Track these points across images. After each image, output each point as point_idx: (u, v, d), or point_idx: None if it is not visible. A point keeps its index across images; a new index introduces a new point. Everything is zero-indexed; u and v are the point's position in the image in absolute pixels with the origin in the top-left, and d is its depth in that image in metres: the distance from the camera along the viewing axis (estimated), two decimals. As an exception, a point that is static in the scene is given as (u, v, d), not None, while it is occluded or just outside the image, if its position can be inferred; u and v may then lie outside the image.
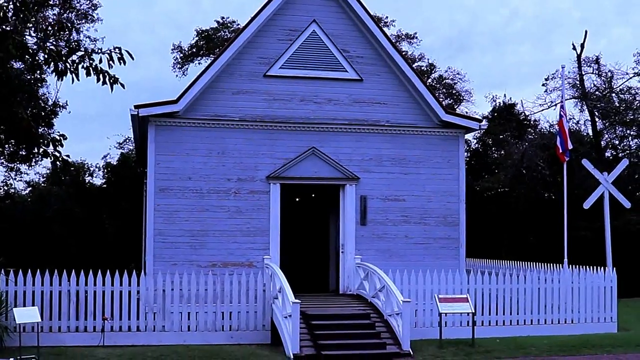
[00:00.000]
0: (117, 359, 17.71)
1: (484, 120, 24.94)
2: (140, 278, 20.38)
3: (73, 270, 20.06)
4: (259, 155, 23.36)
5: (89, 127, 67.87)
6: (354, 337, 18.81)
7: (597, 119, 42.52)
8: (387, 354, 18.34)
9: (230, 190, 23.13)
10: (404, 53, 23.75)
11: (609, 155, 42.70)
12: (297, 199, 26.81)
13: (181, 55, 48.46)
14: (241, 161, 23.27)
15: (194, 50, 47.38)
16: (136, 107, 22.31)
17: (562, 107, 25.65)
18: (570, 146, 25.07)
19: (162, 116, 22.72)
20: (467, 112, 41.02)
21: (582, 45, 41.40)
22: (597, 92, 42.23)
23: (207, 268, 21.95)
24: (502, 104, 44.50)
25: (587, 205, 25.99)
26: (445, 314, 20.23)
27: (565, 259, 24.80)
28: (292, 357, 17.96)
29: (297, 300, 18.24)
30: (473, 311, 20.15)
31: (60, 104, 39.61)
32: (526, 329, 21.92)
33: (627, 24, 68.52)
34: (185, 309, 20.42)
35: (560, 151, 25.11)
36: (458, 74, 44.23)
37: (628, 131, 43.24)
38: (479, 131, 27.57)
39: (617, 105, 41.94)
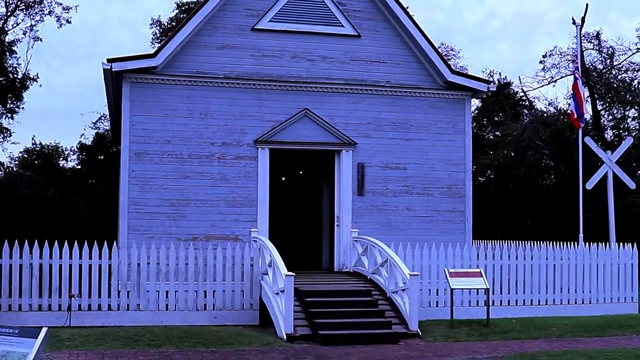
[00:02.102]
0: (84, 340, 15.39)
1: (491, 84, 22.53)
2: (113, 250, 18.10)
3: (36, 242, 17.75)
4: (246, 117, 21.19)
5: (63, 105, 65.46)
6: (354, 316, 16.69)
7: (596, 98, 40.61)
8: (392, 333, 16.17)
9: (213, 156, 20.92)
10: (405, 7, 21.43)
11: (610, 135, 40.79)
12: (288, 166, 24.70)
13: (160, 30, 45.97)
14: (226, 123, 21.08)
15: (174, 23, 44.88)
16: (109, 60, 20.05)
17: (576, 69, 23.63)
18: (585, 111, 23.00)
19: (138, 72, 20.48)
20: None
21: (583, 20, 39.37)
22: (597, 69, 40.28)
23: (188, 242, 19.63)
24: (497, 83, 42.48)
25: (590, 185, 24.13)
26: (458, 289, 18.05)
27: (581, 235, 22.74)
28: (285, 337, 15.81)
29: (290, 273, 16.08)
30: (488, 286, 17.99)
31: (31, 76, 37.69)
32: (542, 310, 19.87)
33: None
34: (163, 286, 18.24)
35: (575, 117, 23.09)
36: (452, 49, 42.12)
37: (627, 112, 41.46)
38: (487, 94, 25.31)
39: (616, 86, 40.04)
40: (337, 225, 21.70)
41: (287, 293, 16.02)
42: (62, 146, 44.78)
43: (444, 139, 22.33)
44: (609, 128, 42.05)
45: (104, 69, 20.24)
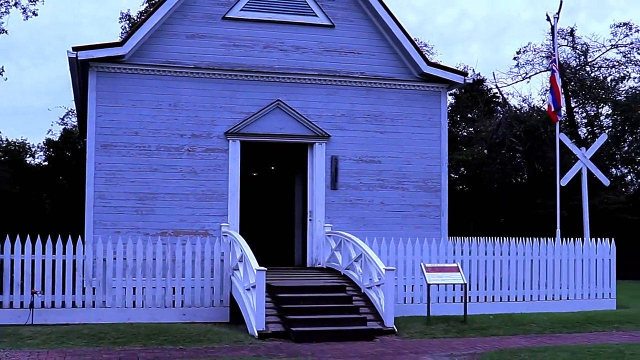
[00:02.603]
0: (46, 338, 14.73)
1: (469, 75, 22.07)
2: (77, 245, 17.41)
3: (-4, 235, 17.10)
4: (217, 108, 20.56)
5: (32, 103, 64.43)
6: (328, 312, 16.14)
7: (570, 95, 40.35)
8: (367, 330, 15.64)
9: (183, 148, 20.28)
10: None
11: (584, 133, 40.56)
12: (260, 159, 24.13)
13: (130, 24, 45.09)
14: (196, 114, 20.44)
15: (144, 17, 44.06)
16: (75, 49, 19.35)
17: (554, 61, 23.21)
18: (563, 105, 22.59)
19: (105, 61, 19.80)
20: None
21: (558, 14, 39.08)
22: (570, 66, 40.03)
23: (156, 237, 18.86)
24: (471, 79, 42.09)
25: (564, 182, 23.74)
26: (435, 285, 17.57)
27: (558, 230, 22.33)
28: (256, 334, 15.23)
29: (262, 268, 15.50)
30: (465, 282, 17.51)
31: (-6, 68, 36.70)
32: (519, 306, 19.44)
33: None
34: (129, 283, 17.58)
35: (553, 110, 22.64)
36: (425, 45, 41.62)
37: (600, 110, 41.26)
38: (461, 86, 24.88)
39: (589, 83, 39.82)
40: (310, 220, 21.14)
41: (258, 288, 15.44)
42: (28, 143, 44.05)
43: (420, 132, 21.85)
44: (582, 125, 41.83)
45: (69, 58, 19.54)
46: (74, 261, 17.43)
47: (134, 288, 17.58)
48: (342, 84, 21.37)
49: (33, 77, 65.10)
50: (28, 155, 44.23)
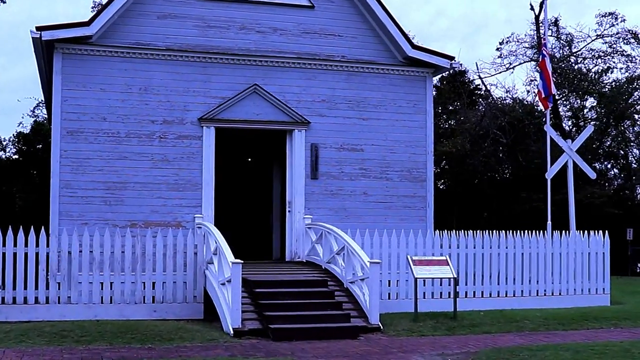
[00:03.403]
0: (3, 336, 13.61)
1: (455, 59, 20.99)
2: (40, 237, 16.24)
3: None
4: (190, 92, 19.45)
5: (5, 97, 62.94)
6: (309, 308, 15.08)
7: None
8: (351, 327, 14.59)
9: (154, 135, 19.16)
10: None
11: (569, 125, 39.77)
12: (236, 147, 22.98)
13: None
14: (168, 99, 19.32)
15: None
16: (38, 28, 18.19)
17: (544, 45, 22.24)
18: (554, 90, 21.65)
19: (71, 42, 18.65)
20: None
21: (541, 5, 38.25)
22: (555, 57, 39.19)
23: (126, 228, 17.70)
24: (452, 71, 41.17)
25: (549, 175, 22.75)
26: (423, 279, 16.54)
27: (549, 222, 21.39)
28: (231, 332, 14.17)
29: (238, 260, 14.43)
30: (455, 276, 16.50)
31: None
32: (510, 302, 18.43)
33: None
34: (97, 277, 16.43)
35: (543, 96, 21.68)
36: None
37: (584, 102, 40.51)
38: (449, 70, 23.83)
39: (574, 74, 39.00)
40: (289, 211, 20.06)
41: (233, 283, 14.36)
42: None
43: (404, 119, 20.82)
44: (565, 118, 41.04)
45: (33, 39, 18.35)
46: (37, 254, 16.28)
47: (102, 283, 16.44)
48: (322, 68, 20.33)
49: (10, 74, 63.63)
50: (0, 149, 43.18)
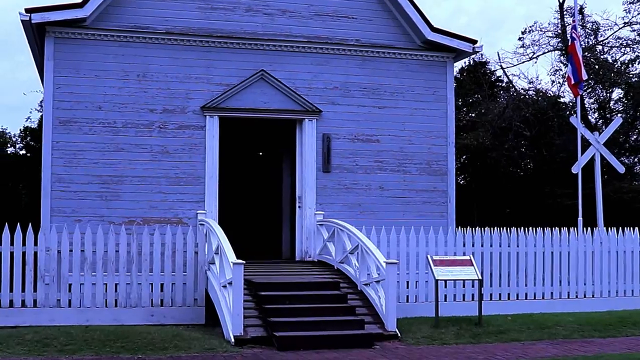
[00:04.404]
0: (-21, 344, 12.29)
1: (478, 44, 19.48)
2: (27, 235, 14.95)
3: None
4: (192, 79, 18.08)
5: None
6: (318, 314, 13.67)
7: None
8: (365, 335, 13.19)
9: (153, 125, 17.81)
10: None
11: (595, 117, 38.12)
12: (242, 138, 21.62)
13: None
14: (168, 87, 17.95)
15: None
16: (28, 10, 16.87)
17: (574, 27, 20.73)
18: (584, 76, 20.12)
19: (64, 25, 17.34)
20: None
21: (569, -16, 36.69)
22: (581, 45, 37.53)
23: (123, 225, 16.38)
24: (472, 62, 39.62)
25: (576, 169, 21.40)
26: (444, 281, 15.09)
27: (580, 218, 19.90)
28: (232, 340, 12.79)
29: (239, 261, 13.05)
30: (480, 277, 15.02)
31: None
32: (539, 305, 16.99)
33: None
34: (88, 278, 15.13)
35: (573, 83, 20.19)
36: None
37: (609, 94, 38.82)
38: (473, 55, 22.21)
39: (599, 65, 37.32)
40: (299, 207, 18.65)
41: (235, 285, 12.99)
42: (9, 132, 41.97)
43: (423, 108, 19.36)
44: (591, 110, 39.36)
45: (22, 21, 17.04)
46: (24, 253, 14.97)
47: (94, 284, 15.16)
48: (335, 53, 18.90)
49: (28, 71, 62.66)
50: (9, 145, 42.25)
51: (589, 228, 18.39)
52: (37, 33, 17.59)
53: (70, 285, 15.00)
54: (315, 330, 13.05)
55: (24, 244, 14.97)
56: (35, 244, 15.03)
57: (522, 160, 36.86)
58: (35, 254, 15.04)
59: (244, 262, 13.11)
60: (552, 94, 37.00)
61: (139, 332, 13.33)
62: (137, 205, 17.57)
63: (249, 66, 18.32)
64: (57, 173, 17.25)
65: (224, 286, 13.78)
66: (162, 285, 15.45)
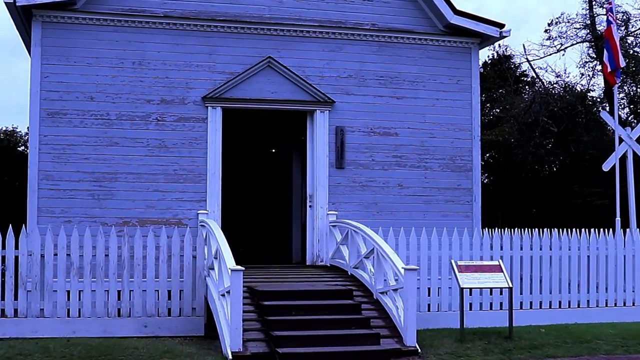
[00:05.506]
0: (-59, 362, 10.84)
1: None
2: (7, 237, 13.64)
3: None
4: (192, 67, 16.67)
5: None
6: (328, 327, 12.15)
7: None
8: (381, 352, 11.64)
9: (150, 117, 16.40)
10: None
11: (626, 112, 36.40)
12: (247, 131, 20.26)
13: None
14: (166, 75, 16.55)
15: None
16: (11, -8, 15.44)
17: (610, 10, 19.05)
18: (622, 63, 18.48)
19: (52, 8, 15.99)
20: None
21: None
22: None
23: (117, 227, 14.94)
24: (496, 56, 38.01)
25: (606, 166, 20.09)
26: (469, 289, 13.51)
27: (618, 219, 18.26)
28: (230, 357, 11.28)
29: (238, 267, 11.54)
30: (511, 285, 13.40)
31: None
32: (574, 314, 15.35)
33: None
34: (75, 285, 13.76)
35: (609, 70, 18.55)
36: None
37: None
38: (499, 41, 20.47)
39: (631, 57, 35.60)
40: (310, 207, 17.13)
41: (233, 294, 11.48)
42: (19, 132, 40.94)
43: (445, 98, 17.82)
44: (621, 105, 37.63)
45: (6, 4, 15.63)
46: (3, 257, 13.66)
47: (81, 292, 13.77)
48: (349, 38, 17.42)
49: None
50: (20, 145, 41.23)
51: (620, 229, 16.81)
52: (24, 17, 16.21)
53: (55, 292, 13.64)
54: (324, 345, 11.52)
55: (3, 247, 13.63)
56: (17, 247, 13.65)
57: (549, 157, 35.19)
58: (17, 258, 13.67)
59: (243, 268, 11.59)
60: (581, 88, 35.36)
61: (125, 346, 11.89)
62: (133, 205, 16.16)
63: (254, 53, 16.89)
64: (44, 170, 15.92)
65: (223, 295, 12.30)
66: (156, 292, 14.07)
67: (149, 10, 16.45)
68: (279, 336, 11.60)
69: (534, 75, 37.09)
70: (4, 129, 40.28)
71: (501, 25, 17.83)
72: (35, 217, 15.73)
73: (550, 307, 15.44)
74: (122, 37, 16.35)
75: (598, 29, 35.23)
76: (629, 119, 35.72)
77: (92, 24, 16.21)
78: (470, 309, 14.67)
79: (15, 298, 13.61)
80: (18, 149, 40.59)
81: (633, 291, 16.08)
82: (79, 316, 13.71)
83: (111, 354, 11.41)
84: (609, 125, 22.36)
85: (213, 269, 13.43)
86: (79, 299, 13.76)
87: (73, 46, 16.13)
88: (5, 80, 57.48)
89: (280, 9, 17.07)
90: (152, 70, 16.44)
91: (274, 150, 21.37)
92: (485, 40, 18.19)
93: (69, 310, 13.69)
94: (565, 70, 55.12)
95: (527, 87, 38.25)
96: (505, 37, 18.00)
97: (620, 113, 36.08)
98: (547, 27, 37.07)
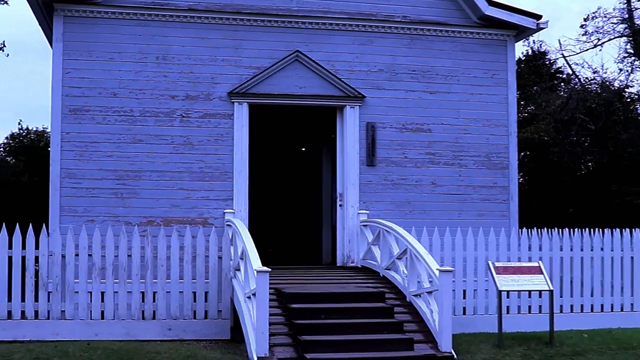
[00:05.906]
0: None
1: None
2: (28, 237, 13.22)
3: None
4: (218, 62, 16.15)
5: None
6: (359, 331, 11.58)
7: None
8: (415, 357, 11.05)
9: (174, 113, 15.91)
10: None
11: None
12: (275, 128, 19.69)
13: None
14: (191, 70, 16.04)
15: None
16: (32, -15, 15.05)
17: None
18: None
19: (73, 2, 15.54)
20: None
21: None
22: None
23: (141, 227, 14.52)
24: (531, 52, 37.25)
25: None
26: (509, 291, 12.87)
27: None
28: (255, 363, 10.68)
29: (264, 268, 10.99)
30: (552, 288, 12.74)
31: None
32: (617, 318, 14.75)
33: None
34: (97, 286, 13.36)
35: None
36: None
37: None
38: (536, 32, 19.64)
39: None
40: (340, 206, 16.56)
41: (260, 297, 10.94)
42: (49, 132, 40.79)
43: (480, 92, 17.16)
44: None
45: (27, -1, 15.24)
46: (24, 258, 13.21)
47: (103, 294, 13.38)
48: (379, 31, 16.82)
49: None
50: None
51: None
52: (45, 12, 15.82)
53: (76, 293, 13.25)
54: (355, 351, 10.97)
55: (23, 247, 13.21)
56: (37, 247, 13.24)
57: (585, 155, 34.38)
58: (37, 258, 13.28)
59: (270, 269, 11.04)
60: (619, 84, 34.53)
61: (147, 351, 11.43)
62: (157, 204, 15.68)
63: (282, 47, 16.34)
64: (67, 167, 15.48)
65: (249, 297, 11.78)
66: (180, 294, 13.59)
67: (172, 3, 15.97)
68: (307, 341, 11.05)
69: (570, 71, 36.30)
70: (34, 129, 40.35)
71: (538, 17, 17.16)
72: (57, 216, 15.31)
73: (592, 311, 14.83)
74: (145, 32, 15.87)
75: (637, 22, 34.42)
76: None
77: (115, 17, 15.76)
78: (508, 312, 14.07)
79: (36, 300, 13.23)
80: (48, 149, 40.61)
81: (678, 293, 15.37)
82: (102, 318, 13.33)
83: (133, 357, 10.95)
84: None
85: (239, 270, 12.92)
86: (102, 301, 13.36)
87: (95, 41, 15.68)
88: (37, 80, 57.86)
89: (309, 1, 16.51)
90: (176, 65, 15.95)
91: (302, 148, 20.87)
92: (521, 32, 17.52)
93: (90, 312, 13.30)
94: (602, 66, 54.10)
95: (562, 83, 37.47)
96: (543, 28, 17.32)
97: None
98: (583, 22, 36.25)
